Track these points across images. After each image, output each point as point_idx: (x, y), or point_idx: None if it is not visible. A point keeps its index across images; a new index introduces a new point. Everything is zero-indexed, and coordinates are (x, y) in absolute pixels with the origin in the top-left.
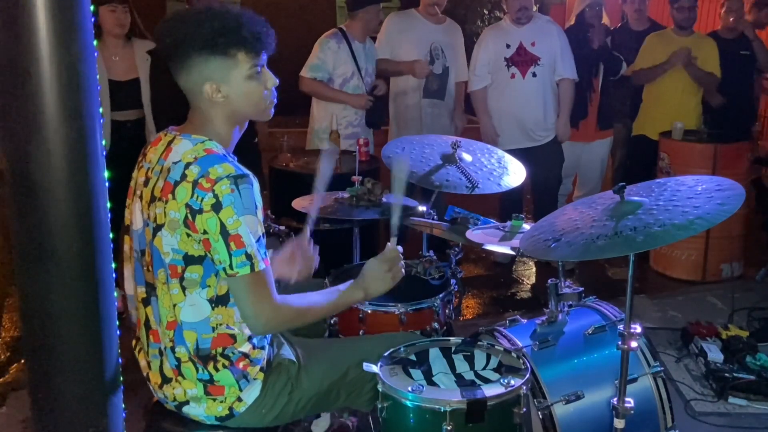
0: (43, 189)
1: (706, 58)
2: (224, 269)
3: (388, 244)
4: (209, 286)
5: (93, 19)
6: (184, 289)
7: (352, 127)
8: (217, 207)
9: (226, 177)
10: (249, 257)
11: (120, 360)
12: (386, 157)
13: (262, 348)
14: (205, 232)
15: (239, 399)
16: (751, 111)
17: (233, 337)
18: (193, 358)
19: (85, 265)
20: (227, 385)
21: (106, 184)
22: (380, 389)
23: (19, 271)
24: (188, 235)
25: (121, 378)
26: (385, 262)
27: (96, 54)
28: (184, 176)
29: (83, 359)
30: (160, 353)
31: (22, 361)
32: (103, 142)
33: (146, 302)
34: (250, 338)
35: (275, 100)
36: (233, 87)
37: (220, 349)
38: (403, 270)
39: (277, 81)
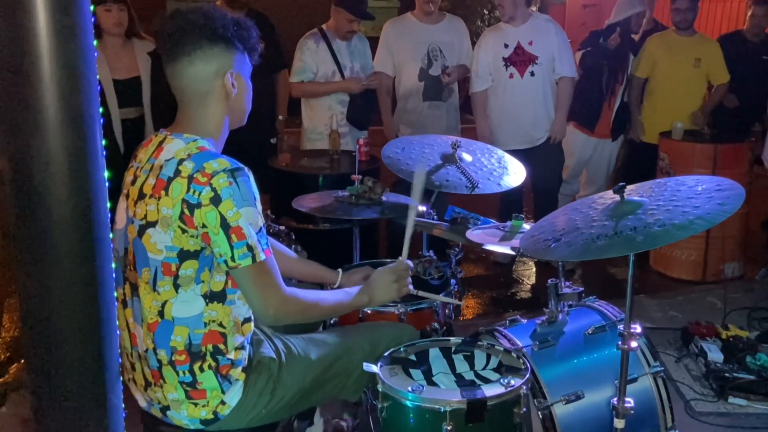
0: (43, 189)
1: (711, 60)
2: (225, 262)
3: (399, 257)
4: (203, 281)
5: (93, 19)
6: (177, 287)
7: (338, 126)
8: (216, 200)
9: (223, 171)
10: (250, 248)
11: (120, 360)
12: (386, 157)
13: (243, 348)
14: (203, 226)
15: (223, 402)
16: (760, 113)
17: (223, 336)
18: (173, 360)
19: (85, 265)
20: (209, 388)
21: (107, 184)
22: (380, 389)
23: (19, 271)
24: (183, 231)
25: (121, 378)
26: (394, 273)
27: (97, 54)
28: (178, 172)
29: (83, 359)
30: (139, 357)
31: (22, 361)
32: (104, 142)
33: (125, 304)
34: (237, 341)
35: None
36: (242, 81)
37: (210, 347)
38: (410, 286)
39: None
